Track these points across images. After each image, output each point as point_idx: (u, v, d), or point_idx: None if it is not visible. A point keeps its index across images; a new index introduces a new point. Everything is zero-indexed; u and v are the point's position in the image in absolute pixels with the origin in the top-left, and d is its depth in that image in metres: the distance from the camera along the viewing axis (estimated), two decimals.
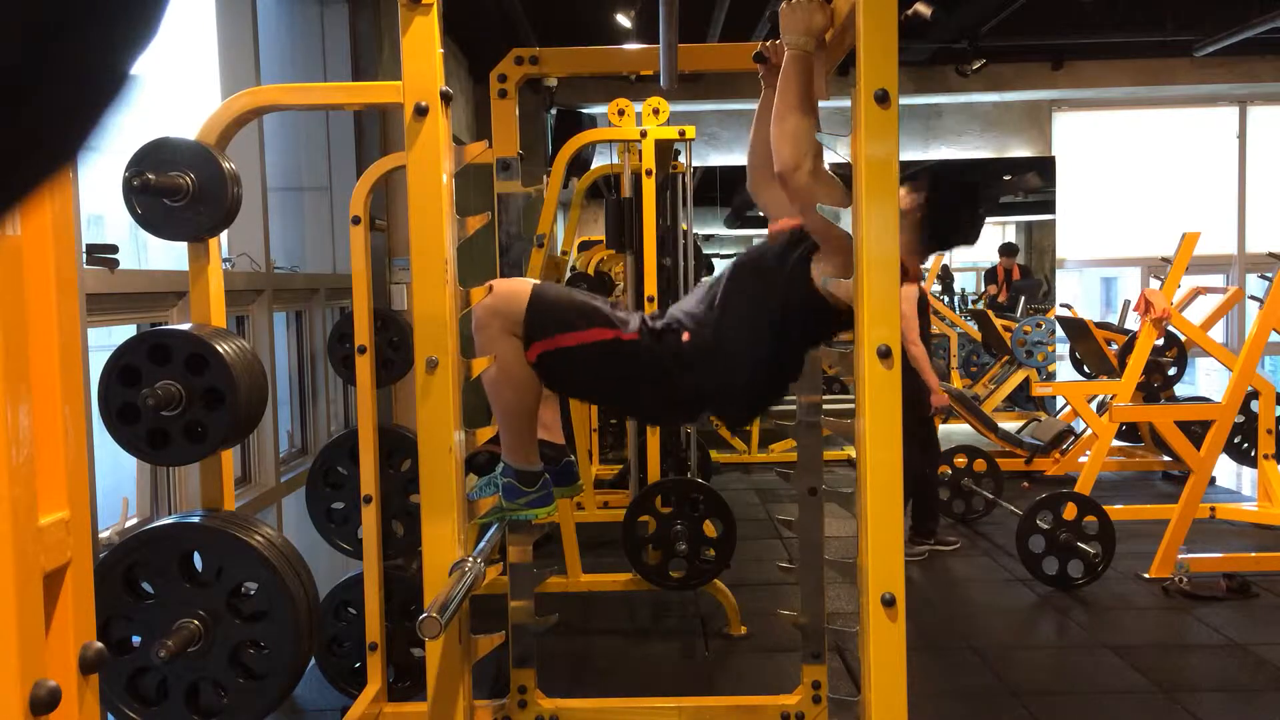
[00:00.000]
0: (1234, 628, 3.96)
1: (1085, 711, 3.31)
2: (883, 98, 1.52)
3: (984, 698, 3.38)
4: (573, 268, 6.35)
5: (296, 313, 4.58)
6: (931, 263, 8.93)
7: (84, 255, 2.66)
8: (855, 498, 1.67)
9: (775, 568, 4.52)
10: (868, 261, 1.55)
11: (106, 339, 3.01)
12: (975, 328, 8.86)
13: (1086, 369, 7.90)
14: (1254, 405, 5.28)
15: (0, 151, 0.35)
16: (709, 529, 3.94)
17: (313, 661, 2.44)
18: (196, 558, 2.02)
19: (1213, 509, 5.25)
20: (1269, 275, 5.74)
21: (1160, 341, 5.96)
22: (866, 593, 1.56)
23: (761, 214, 2.29)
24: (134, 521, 3.05)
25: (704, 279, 2.30)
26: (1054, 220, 10.38)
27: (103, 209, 3.21)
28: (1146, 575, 4.52)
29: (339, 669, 3.17)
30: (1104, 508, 4.46)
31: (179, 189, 2.00)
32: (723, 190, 10.31)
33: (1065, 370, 9.17)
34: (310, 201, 4.89)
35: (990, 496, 5.63)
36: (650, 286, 4.34)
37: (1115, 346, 7.15)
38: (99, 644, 0.89)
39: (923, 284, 6.24)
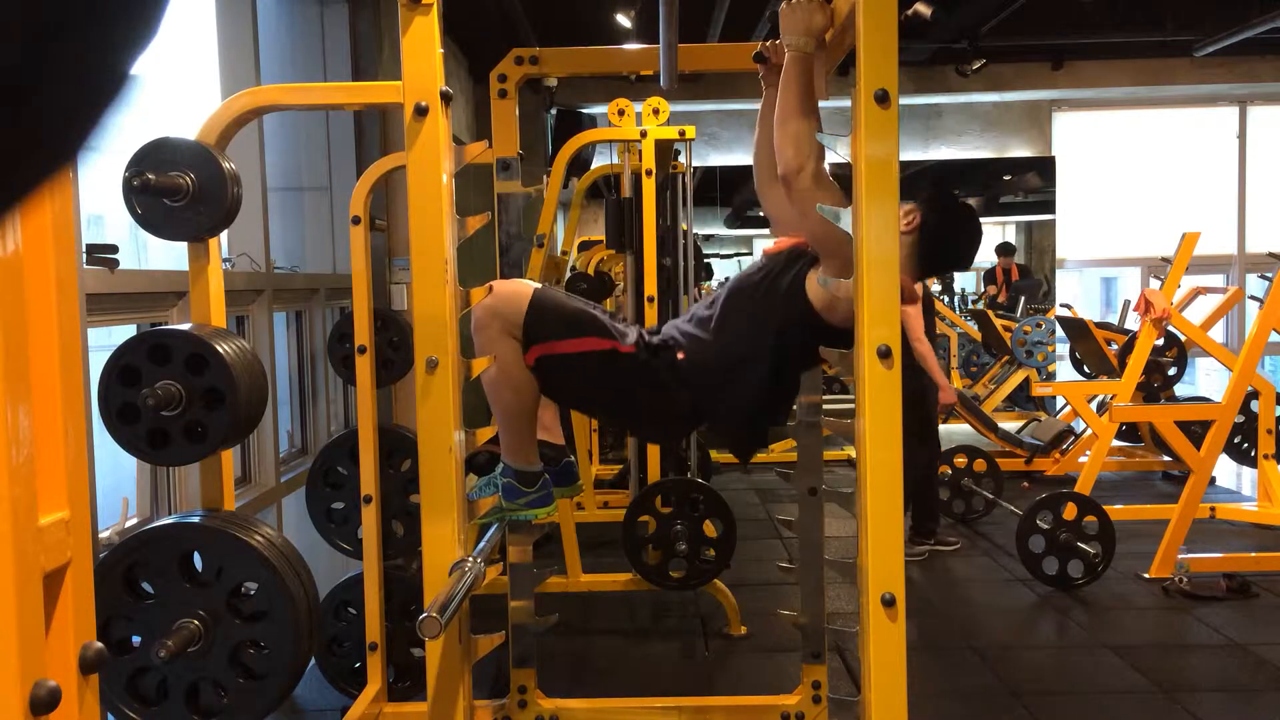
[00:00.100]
0: (1234, 628, 3.96)
1: (1085, 711, 3.31)
2: (883, 98, 1.52)
3: (984, 698, 3.38)
4: (573, 268, 6.34)
5: (296, 313, 4.58)
6: None
7: (84, 255, 2.66)
8: (855, 498, 1.67)
9: (775, 568, 4.52)
10: (868, 261, 1.55)
11: (106, 339, 3.01)
12: (975, 328, 8.86)
13: (1086, 369, 7.90)
14: (1254, 405, 5.27)
15: (0, 151, 0.35)
16: (709, 529, 3.93)
17: (313, 661, 2.44)
18: (196, 558, 2.02)
19: (1213, 509, 5.25)
20: (1269, 275, 5.74)
21: (1160, 341, 5.95)
22: (866, 593, 1.56)
23: (762, 214, 2.29)
24: (134, 521, 3.05)
25: (699, 302, 2.30)
26: (1054, 220, 10.38)
27: (103, 209, 3.21)
28: (1146, 575, 4.52)
29: (339, 669, 3.17)
30: (1104, 508, 4.46)
31: (179, 189, 2.00)
32: (723, 190, 10.32)
33: (1065, 370, 9.17)
34: (310, 201, 4.89)
35: (990, 496, 5.62)
36: (650, 286, 4.34)
37: (1115, 346, 7.14)
38: (99, 644, 0.89)
39: (925, 282, 6.22)
